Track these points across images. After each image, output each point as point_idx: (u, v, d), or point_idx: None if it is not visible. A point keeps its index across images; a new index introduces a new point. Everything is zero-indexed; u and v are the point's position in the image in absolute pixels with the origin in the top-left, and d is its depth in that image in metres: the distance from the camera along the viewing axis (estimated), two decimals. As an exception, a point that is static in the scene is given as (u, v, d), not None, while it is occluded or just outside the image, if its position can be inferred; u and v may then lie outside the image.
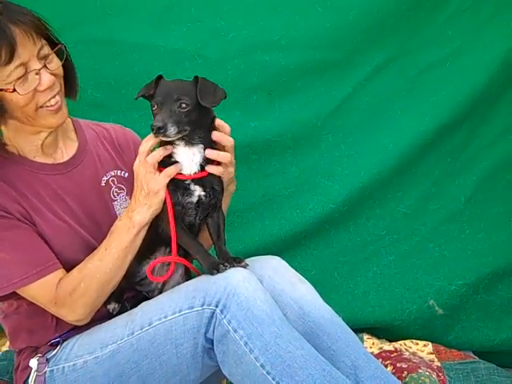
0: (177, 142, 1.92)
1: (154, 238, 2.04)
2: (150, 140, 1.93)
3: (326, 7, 2.75)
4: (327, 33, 2.78)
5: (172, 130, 1.82)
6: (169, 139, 1.87)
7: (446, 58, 2.85)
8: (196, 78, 1.89)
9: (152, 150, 1.94)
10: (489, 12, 2.79)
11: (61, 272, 1.98)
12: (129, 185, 2.21)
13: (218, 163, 1.97)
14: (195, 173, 1.95)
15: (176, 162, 1.94)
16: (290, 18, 2.76)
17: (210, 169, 1.95)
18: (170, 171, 1.92)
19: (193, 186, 1.95)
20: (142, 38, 2.70)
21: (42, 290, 1.95)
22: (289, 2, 2.77)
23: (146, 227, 2.00)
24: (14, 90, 1.85)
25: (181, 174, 1.94)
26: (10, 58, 1.82)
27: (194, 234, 2.03)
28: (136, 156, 2.12)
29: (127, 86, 2.70)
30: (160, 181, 1.92)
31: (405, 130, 2.87)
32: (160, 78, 1.93)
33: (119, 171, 2.24)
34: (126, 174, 2.24)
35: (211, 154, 1.94)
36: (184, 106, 1.85)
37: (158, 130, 1.80)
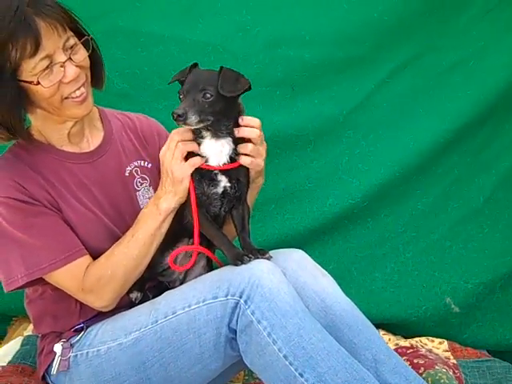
0: (204, 134, 1.94)
1: (178, 229, 2.06)
2: (184, 132, 1.94)
3: (351, 4, 2.76)
4: (352, 29, 2.79)
5: (193, 118, 1.83)
6: (191, 127, 1.89)
7: (469, 57, 2.85)
8: (221, 68, 1.90)
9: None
10: (512, 13, 2.80)
11: (88, 258, 2.01)
12: (152, 175, 2.24)
13: (247, 154, 1.98)
14: (224, 164, 1.96)
15: (203, 156, 1.95)
16: (315, 13, 2.77)
17: (241, 159, 1.96)
18: (195, 161, 1.94)
19: (219, 177, 1.96)
20: (168, 30, 2.71)
21: (69, 276, 1.98)
22: (314, -3, 2.78)
23: (172, 215, 2.01)
24: (39, 83, 1.86)
25: (208, 164, 1.95)
26: (35, 50, 1.83)
27: (218, 226, 2.04)
28: (160, 146, 2.14)
29: (153, 76, 2.72)
30: (185, 169, 1.94)
31: (426, 128, 2.88)
32: (195, 65, 1.96)
33: (143, 162, 2.26)
34: (150, 165, 2.26)
35: (242, 147, 1.95)
36: (208, 95, 1.86)
37: (178, 118, 1.82)
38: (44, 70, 1.86)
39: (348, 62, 2.84)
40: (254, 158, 1.97)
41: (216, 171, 1.96)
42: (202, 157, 1.95)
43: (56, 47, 1.87)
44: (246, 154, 1.97)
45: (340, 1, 2.77)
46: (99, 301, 2.02)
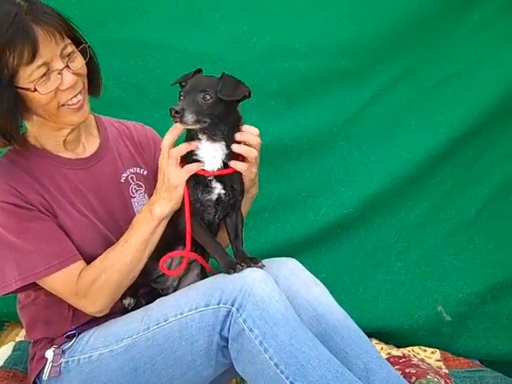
0: (200, 137, 1.94)
1: (173, 237, 2.07)
2: (172, 133, 1.96)
3: (347, 17, 2.79)
4: (347, 42, 2.82)
5: (190, 117, 1.84)
6: (187, 127, 1.90)
7: (462, 71, 2.88)
8: (223, 73, 1.93)
9: (175, 145, 1.96)
10: (507, 29, 2.84)
11: (82, 263, 2.01)
12: (147, 182, 2.25)
13: (242, 160, 1.99)
14: (218, 169, 1.97)
15: (198, 160, 1.96)
16: (311, 26, 2.80)
17: (235, 165, 1.97)
18: (192, 167, 1.95)
19: (214, 183, 1.97)
20: (166, 39, 2.73)
21: (63, 281, 1.98)
22: (311, 11, 2.80)
23: (166, 221, 2.02)
24: (35, 90, 1.88)
25: (203, 170, 1.96)
26: (33, 57, 1.84)
27: (212, 233, 2.05)
28: (156, 154, 2.16)
29: (149, 85, 2.75)
30: (180, 175, 1.95)
31: (419, 140, 2.91)
32: (199, 71, 1.98)
33: (139, 169, 2.27)
34: (146, 172, 2.28)
35: (239, 148, 1.96)
36: (208, 97, 1.88)
37: (176, 114, 1.83)
38: (41, 77, 1.87)
39: (343, 73, 2.87)
40: (250, 165, 1.99)
41: (210, 177, 1.97)
42: (198, 161, 1.95)
43: (53, 55, 1.89)
44: (241, 159, 1.98)
45: (336, 14, 2.79)
46: (93, 306, 2.02)
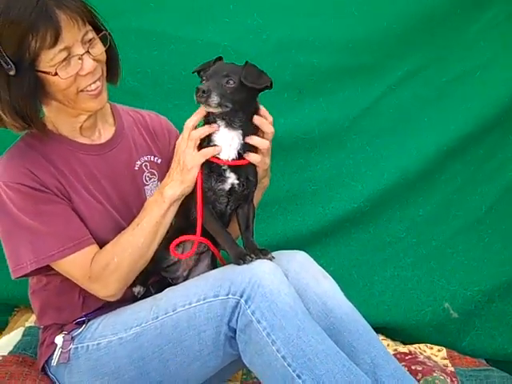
0: (218, 123, 1.96)
1: (184, 226, 2.08)
2: (196, 116, 1.97)
3: (361, 11, 2.78)
4: (361, 36, 2.82)
5: (215, 98, 1.87)
6: (209, 109, 1.91)
7: (476, 68, 2.88)
8: (246, 62, 1.95)
9: (196, 127, 1.98)
10: (521, 26, 2.83)
11: (95, 247, 2.03)
12: (161, 171, 2.26)
13: (256, 152, 2.00)
14: (233, 159, 1.98)
15: (215, 145, 1.97)
16: (325, 20, 2.80)
17: (248, 156, 1.98)
18: (208, 151, 1.96)
19: (228, 173, 1.98)
20: (180, 30, 2.74)
21: (77, 264, 2.00)
22: (325, 4, 2.80)
23: (177, 204, 2.03)
24: (56, 74, 1.89)
25: (218, 158, 1.97)
26: (55, 41, 1.85)
27: (224, 224, 2.06)
28: (171, 142, 2.17)
29: (163, 76, 2.76)
30: (196, 158, 1.96)
31: (430, 136, 2.91)
32: (220, 58, 2.00)
33: (153, 157, 2.28)
34: (159, 160, 2.29)
35: (251, 139, 1.98)
36: (231, 82, 1.90)
37: (202, 93, 1.85)
38: (62, 61, 1.89)
39: (356, 68, 2.87)
40: (263, 156, 2.00)
41: (225, 167, 1.98)
42: (215, 146, 1.97)
43: (75, 40, 1.90)
44: (255, 150, 1.99)
45: (350, 8, 2.79)
46: (105, 289, 2.04)
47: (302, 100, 2.88)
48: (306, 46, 2.81)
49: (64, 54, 1.89)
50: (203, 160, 1.96)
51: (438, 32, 2.84)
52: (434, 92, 2.92)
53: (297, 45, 2.81)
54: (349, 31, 2.81)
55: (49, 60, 1.88)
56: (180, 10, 2.75)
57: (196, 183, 1.98)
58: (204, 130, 1.97)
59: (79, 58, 1.92)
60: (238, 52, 2.71)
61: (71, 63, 1.91)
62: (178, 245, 2.06)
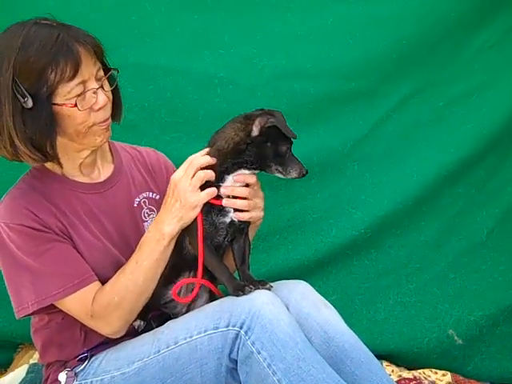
0: (243, 171, 2.01)
1: (178, 262, 2.08)
2: (205, 159, 1.98)
3: (355, 38, 2.81)
4: (356, 63, 2.84)
5: None
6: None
7: (472, 91, 2.89)
8: None
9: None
10: (514, 48, 2.84)
11: (97, 284, 2.02)
12: (159, 207, 2.23)
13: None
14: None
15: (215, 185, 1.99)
16: (320, 48, 2.82)
17: (238, 215, 2.02)
18: (213, 192, 1.97)
19: (228, 207, 2.00)
20: (176, 63, 2.77)
21: (79, 303, 1.99)
22: (319, 32, 2.82)
23: (175, 240, 2.03)
24: (75, 105, 1.90)
25: (218, 199, 1.99)
26: (74, 74, 1.87)
27: (219, 256, 2.06)
28: (168, 179, 2.17)
29: (160, 109, 2.78)
30: (201, 197, 1.96)
31: (430, 160, 2.91)
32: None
33: (151, 193, 2.29)
34: (158, 197, 2.29)
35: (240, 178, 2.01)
36: None
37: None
38: (79, 95, 1.90)
39: (352, 95, 2.88)
40: (249, 211, 2.03)
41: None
42: (217, 186, 1.98)
43: (91, 74, 1.93)
44: (240, 210, 2.02)
45: (344, 36, 2.82)
46: (108, 327, 2.03)
47: (300, 129, 2.78)
48: (301, 74, 2.83)
49: (81, 88, 1.90)
50: (207, 199, 1.97)
51: (433, 55, 2.86)
52: (431, 115, 2.93)
53: (292, 73, 2.83)
54: (344, 58, 2.83)
55: (66, 93, 1.89)
56: (174, 43, 2.78)
57: (194, 221, 1.99)
58: (212, 175, 1.98)
59: (94, 92, 1.94)
60: (233, 82, 2.74)
61: (86, 97, 1.93)
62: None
